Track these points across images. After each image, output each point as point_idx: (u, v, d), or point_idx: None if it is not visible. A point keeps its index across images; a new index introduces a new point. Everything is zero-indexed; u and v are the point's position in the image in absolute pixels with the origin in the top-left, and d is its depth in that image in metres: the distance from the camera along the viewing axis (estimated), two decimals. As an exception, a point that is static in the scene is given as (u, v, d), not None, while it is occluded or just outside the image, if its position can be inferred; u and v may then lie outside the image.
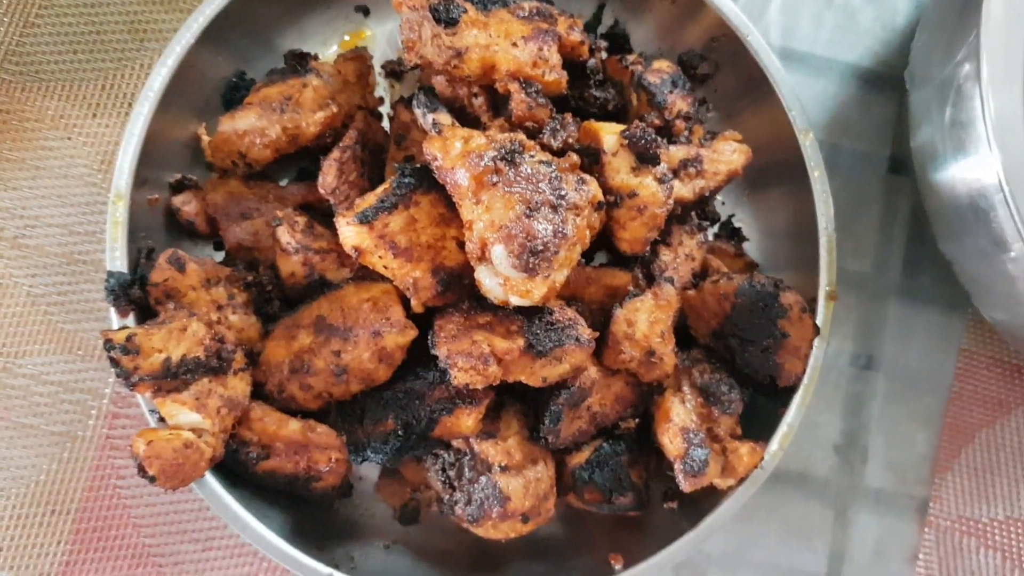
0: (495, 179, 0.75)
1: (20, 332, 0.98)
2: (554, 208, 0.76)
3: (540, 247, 0.74)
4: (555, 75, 0.87)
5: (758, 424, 0.93)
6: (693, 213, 0.97)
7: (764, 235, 1.06)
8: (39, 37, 1.03)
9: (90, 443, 0.97)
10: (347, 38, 1.04)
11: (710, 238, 1.04)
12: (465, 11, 0.85)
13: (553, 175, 0.77)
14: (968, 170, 0.88)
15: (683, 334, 0.95)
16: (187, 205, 0.92)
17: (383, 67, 1.04)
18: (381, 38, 1.05)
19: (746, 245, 1.05)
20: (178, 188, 0.93)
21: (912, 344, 1.10)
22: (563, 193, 0.77)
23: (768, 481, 0.90)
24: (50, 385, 0.98)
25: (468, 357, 0.78)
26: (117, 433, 0.98)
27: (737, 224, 1.06)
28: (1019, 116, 0.82)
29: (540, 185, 0.76)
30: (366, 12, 1.04)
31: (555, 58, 0.87)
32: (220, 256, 0.97)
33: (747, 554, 1.05)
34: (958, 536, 1.07)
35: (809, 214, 0.96)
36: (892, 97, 1.12)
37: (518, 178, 0.76)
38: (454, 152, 0.77)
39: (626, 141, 0.84)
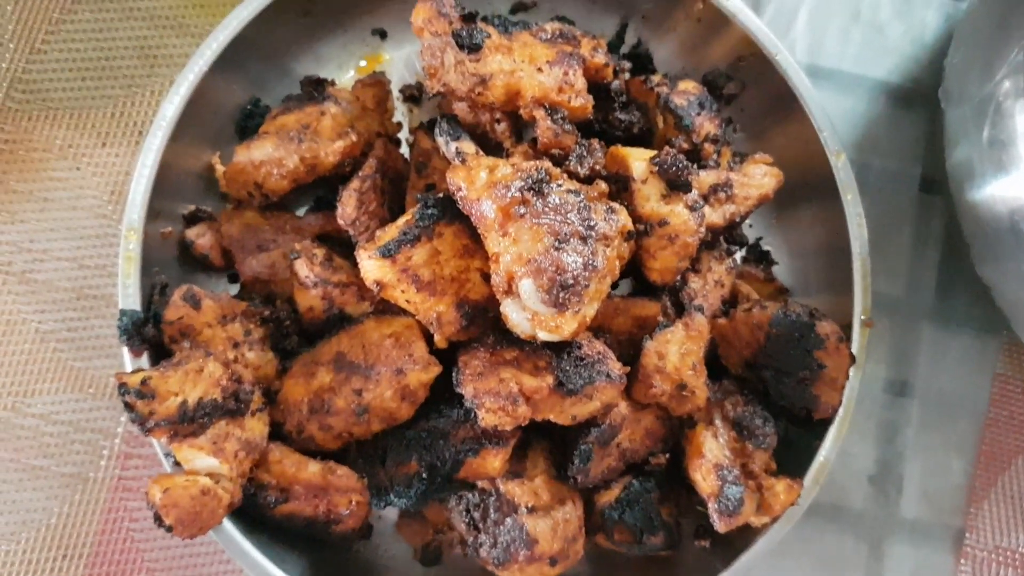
0: (522, 210, 0.73)
1: (29, 370, 0.96)
2: (583, 239, 0.73)
3: (570, 281, 0.72)
4: (581, 100, 0.85)
5: (792, 456, 0.90)
6: (721, 238, 0.95)
7: (793, 256, 1.04)
8: (46, 64, 1.01)
9: (102, 485, 0.95)
10: (364, 63, 1.02)
11: (738, 262, 1.02)
12: (489, 36, 0.83)
13: (582, 205, 0.75)
14: (1008, 190, 0.86)
15: (714, 364, 0.92)
16: (201, 238, 0.90)
17: (401, 91, 1.02)
18: (399, 62, 1.03)
19: (775, 268, 1.03)
20: (192, 220, 0.92)
21: (946, 369, 1.08)
22: (592, 223, 0.74)
23: (802, 515, 0.88)
24: (60, 425, 0.95)
25: (496, 397, 0.75)
26: (130, 474, 0.95)
27: (766, 247, 1.04)
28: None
29: (569, 215, 0.74)
30: (383, 35, 1.02)
31: (581, 82, 0.85)
32: (235, 288, 0.95)
33: (780, 591, 1.02)
34: (995, 567, 1.05)
35: (840, 234, 0.94)
36: (923, 114, 1.10)
37: (546, 209, 0.73)
38: (479, 183, 0.75)
39: (656, 168, 0.81)
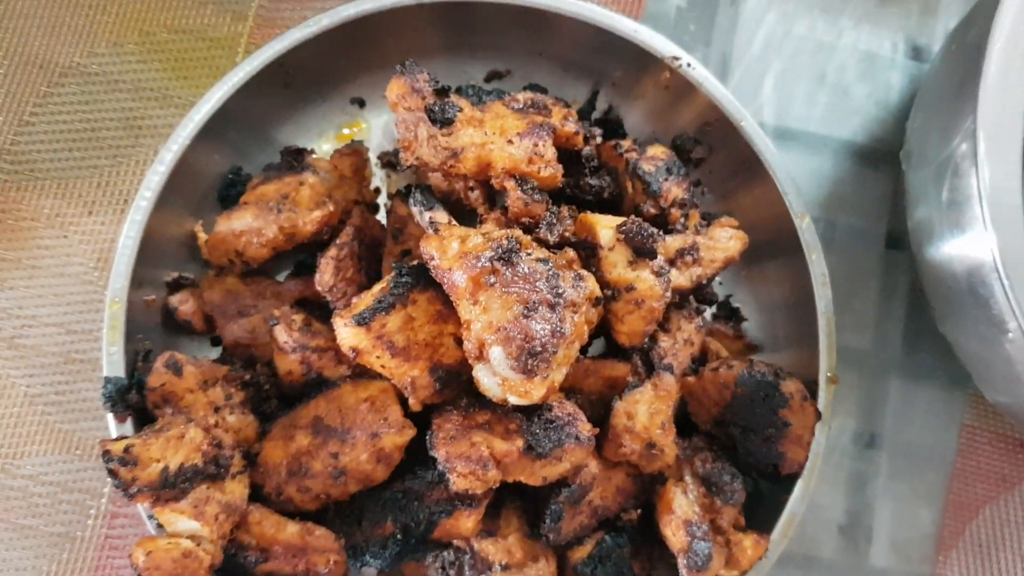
0: (492, 280, 0.75)
1: (18, 432, 0.98)
2: (551, 307, 0.75)
3: (538, 348, 0.74)
4: (550, 170, 0.87)
5: (762, 509, 0.92)
6: (691, 297, 0.97)
7: (762, 311, 1.06)
8: (34, 135, 1.03)
9: (89, 543, 0.97)
10: (344, 130, 1.05)
11: (708, 319, 1.04)
12: (460, 110, 0.86)
13: (550, 273, 0.77)
14: (965, 249, 0.88)
15: (684, 420, 0.95)
16: (184, 304, 0.93)
17: (379, 158, 1.04)
18: (377, 129, 1.05)
19: (745, 324, 1.05)
20: (175, 287, 0.94)
21: (914, 421, 1.10)
22: (560, 291, 0.76)
23: (773, 566, 0.89)
24: (49, 486, 0.97)
25: (467, 461, 0.77)
26: (116, 533, 0.97)
27: (735, 304, 1.06)
28: (1016, 196, 0.82)
29: (537, 284, 0.76)
30: (362, 104, 1.05)
31: (550, 153, 0.87)
32: (217, 351, 0.97)
33: (752, 643, 1.03)
34: (965, 615, 1.06)
35: (806, 289, 0.96)
36: (888, 173, 1.13)
37: (515, 277, 0.75)
38: (451, 252, 0.77)
39: (622, 236, 0.84)
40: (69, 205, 1.02)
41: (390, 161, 1.04)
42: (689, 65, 0.97)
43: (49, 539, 0.97)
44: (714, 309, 1.06)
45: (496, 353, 0.74)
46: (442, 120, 0.84)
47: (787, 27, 1.15)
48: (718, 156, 1.04)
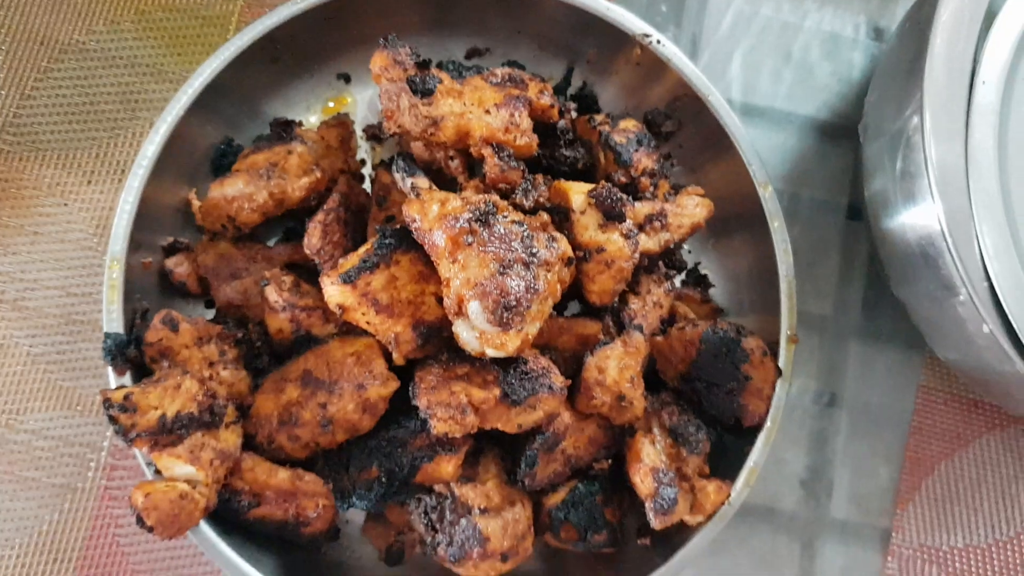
0: (470, 239, 0.80)
1: (21, 390, 1.02)
2: (526, 265, 0.80)
3: (513, 302, 0.78)
4: (526, 139, 0.92)
5: (726, 462, 0.97)
6: (660, 262, 1.02)
7: (729, 280, 1.10)
8: (36, 108, 1.07)
9: (90, 494, 1.01)
10: (331, 104, 1.09)
11: (677, 285, 1.09)
12: (440, 81, 0.90)
13: (525, 234, 0.82)
14: (917, 218, 0.92)
15: (653, 378, 1.00)
16: (179, 267, 0.97)
17: (364, 131, 1.08)
18: (362, 103, 1.10)
19: (712, 291, 1.10)
20: (170, 251, 0.98)
21: (873, 382, 1.15)
22: (534, 251, 0.81)
23: (737, 516, 0.94)
24: (51, 440, 1.01)
25: (447, 407, 0.82)
26: (115, 484, 1.02)
27: (703, 271, 1.11)
28: (960, 168, 0.87)
29: (513, 244, 0.81)
30: (347, 79, 1.09)
31: (526, 123, 0.92)
32: (211, 313, 1.01)
33: (718, 587, 1.09)
34: (920, 564, 1.12)
35: (770, 258, 1.00)
36: (849, 148, 1.18)
37: (492, 238, 0.80)
38: (431, 214, 0.82)
39: (593, 200, 0.89)
40: (69, 175, 1.07)
41: (375, 134, 1.08)
42: (659, 42, 1.01)
43: (51, 490, 1.01)
44: (683, 276, 1.11)
45: (474, 307, 0.79)
46: (423, 91, 0.89)
47: (755, 8, 1.20)
48: (687, 131, 1.08)
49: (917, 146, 0.90)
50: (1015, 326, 0.86)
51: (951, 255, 0.87)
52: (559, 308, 0.99)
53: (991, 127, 0.88)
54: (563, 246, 0.85)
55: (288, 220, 1.02)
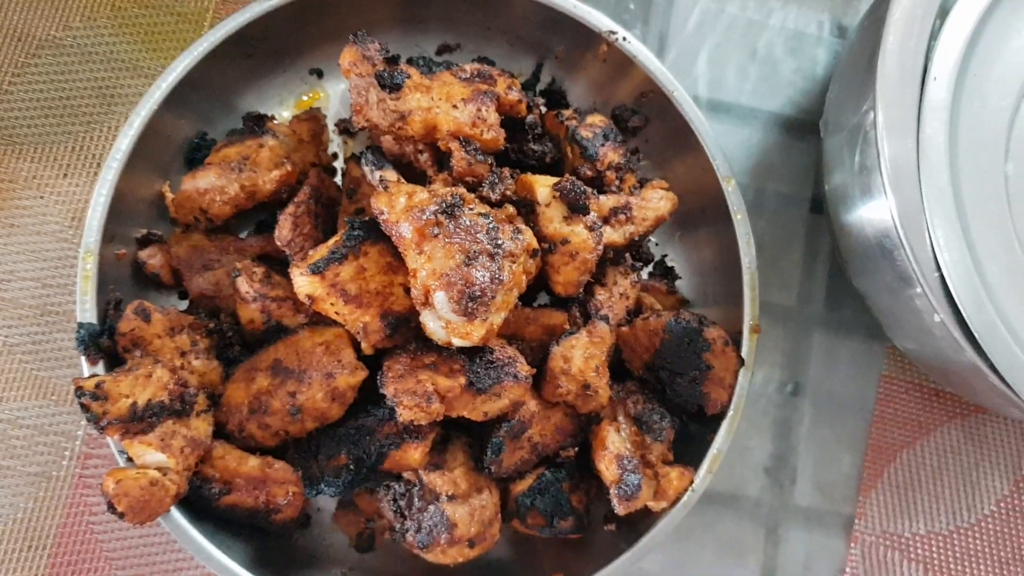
0: (436, 231, 0.81)
1: (-3, 380, 1.04)
2: (491, 256, 0.82)
3: (478, 293, 0.80)
4: (493, 134, 0.93)
5: (691, 449, 0.99)
6: (627, 255, 1.04)
7: (694, 272, 1.13)
8: (12, 103, 1.09)
9: (64, 482, 1.03)
10: (304, 98, 1.10)
11: (644, 277, 1.11)
12: (409, 76, 0.92)
13: (491, 226, 0.84)
14: (874, 212, 0.94)
15: (619, 368, 1.02)
16: (152, 259, 0.98)
17: (336, 125, 1.10)
18: (335, 98, 1.11)
19: (678, 282, 1.12)
20: (144, 243, 0.99)
21: (836, 371, 1.17)
22: (500, 242, 0.83)
23: (702, 502, 0.96)
24: (26, 429, 1.03)
25: (413, 395, 0.84)
26: (90, 472, 1.03)
27: (669, 263, 1.13)
28: (912, 163, 0.89)
29: (478, 235, 0.82)
30: (320, 74, 1.11)
31: (493, 117, 0.94)
32: (184, 304, 1.03)
33: (684, 571, 1.11)
34: (883, 550, 1.14)
35: (735, 251, 1.02)
36: (812, 143, 1.20)
37: (458, 230, 0.82)
38: (399, 207, 0.83)
39: (558, 193, 0.90)
40: (45, 168, 1.08)
41: (346, 128, 1.10)
42: (625, 39, 1.03)
43: (26, 478, 1.02)
44: (650, 268, 1.13)
45: (440, 297, 0.81)
46: (391, 85, 0.91)
47: (721, 6, 1.22)
48: (654, 126, 1.10)
49: (873, 141, 0.91)
50: (966, 316, 0.88)
51: (904, 248, 0.89)
52: (527, 299, 1.01)
53: (942, 123, 0.90)
54: (528, 238, 0.87)
55: (260, 212, 1.03)
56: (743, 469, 1.14)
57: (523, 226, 0.88)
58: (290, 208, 0.94)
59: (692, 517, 0.96)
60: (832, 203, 1.06)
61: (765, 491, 1.14)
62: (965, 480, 1.17)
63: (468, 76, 0.98)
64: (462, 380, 0.86)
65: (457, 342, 0.83)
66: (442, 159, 0.97)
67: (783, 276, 1.18)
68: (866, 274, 1.04)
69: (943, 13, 0.92)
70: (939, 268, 0.88)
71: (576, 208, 0.91)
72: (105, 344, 0.90)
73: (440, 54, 1.12)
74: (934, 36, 0.92)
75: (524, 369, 0.88)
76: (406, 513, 0.93)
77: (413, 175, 0.96)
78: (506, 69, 1.05)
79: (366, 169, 0.93)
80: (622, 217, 0.99)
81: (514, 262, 0.84)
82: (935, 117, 0.90)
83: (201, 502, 0.90)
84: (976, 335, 0.88)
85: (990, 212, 0.92)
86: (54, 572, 1.01)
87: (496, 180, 0.93)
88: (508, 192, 0.93)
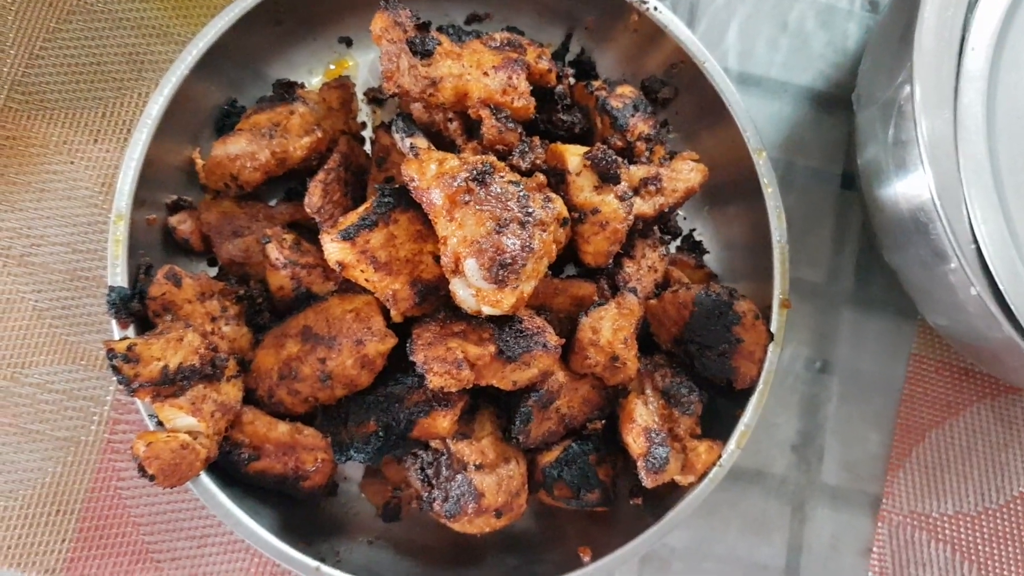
0: (467, 198, 0.81)
1: (26, 344, 1.04)
2: (522, 224, 0.82)
3: (509, 260, 0.80)
4: (523, 101, 0.93)
5: (718, 425, 0.98)
6: (655, 228, 1.03)
7: (723, 247, 1.12)
8: (43, 68, 1.09)
9: (92, 447, 1.03)
10: (332, 67, 1.10)
11: (672, 250, 1.11)
12: (440, 43, 0.91)
13: (521, 194, 0.83)
14: (909, 186, 0.94)
15: (647, 341, 1.01)
16: (183, 224, 0.98)
17: (365, 94, 1.10)
18: (364, 67, 1.11)
19: (706, 257, 1.12)
20: (174, 208, 0.99)
21: (865, 349, 1.16)
22: (530, 210, 0.83)
23: (728, 478, 0.96)
24: (55, 393, 1.03)
25: (443, 363, 0.84)
26: (118, 438, 1.04)
27: (698, 237, 1.13)
28: (949, 135, 0.88)
29: (509, 203, 0.82)
30: (349, 43, 1.10)
31: (523, 85, 0.93)
32: (214, 271, 1.03)
33: (709, 547, 1.11)
34: (910, 530, 1.14)
35: (764, 227, 1.02)
36: (843, 117, 1.19)
37: (488, 197, 0.82)
38: (430, 174, 0.83)
39: (589, 162, 0.90)
40: (76, 133, 1.08)
41: (375, 97, 1.10)
42: (656, 9, 1.02)
43: (55, 443, 1.03)
44: (678, 241, 1.12)
45: (470, 265, 0.80)
46: (422, 52, 0.90)
47: (752, -22, 1.22)
48: (684, 98, 1.09)
49: (908, 114, 0.90)
50: (1003, 290, 0.87)
51: (941, 221, 0.88)
52: (555, 270, 1.00)
53: (980, 94, 0.89)
54: (558, 206, 0.86)
55: (290, 180, 1.03)
56: (770, 446, 1.13)
57: (553, 195, 0.87)
58: (320, 175, 0.94)
59: (717, 493, 0.96)
60: (865, 177, 1.06)
61: (792, 468, 1.13)
62: (994, 461, 1.16)
63: (498, 45, 0.97)
64: (492, 348, 0.85)
65: (487, 310, 0.83)
66: (472, 127, 0.96)
67: (812, 252, 1.17)
68: (899, 249, 1.03)
69: (981, -17, 0.91)
70: (976, 242, 0.87)
71: (607, 177, 0.90)
72: (136, 308, 0.90)
73: (469, 23, 1.11)
74: (971, 7, 0.91)
75: (553, 339, 0.88)
76: (433, 482, 0.93)
77: (442, 143, 0.96)
78: (535, 39, 1.05)
79: (396, 136, 0.93)
80: (652, 188, 0.98)
81: (544, 230, 0.84)
82: (973, 88, 0.89)
83: (230, 467, 0.91)
84: (1013, 309, 0.87)
85: (1029, 185, 0.90)
86: (82, 536, 1.02)
87: (526, 148, 0.92)
88: (538, 161, 0.93)
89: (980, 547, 1.14)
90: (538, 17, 1.11)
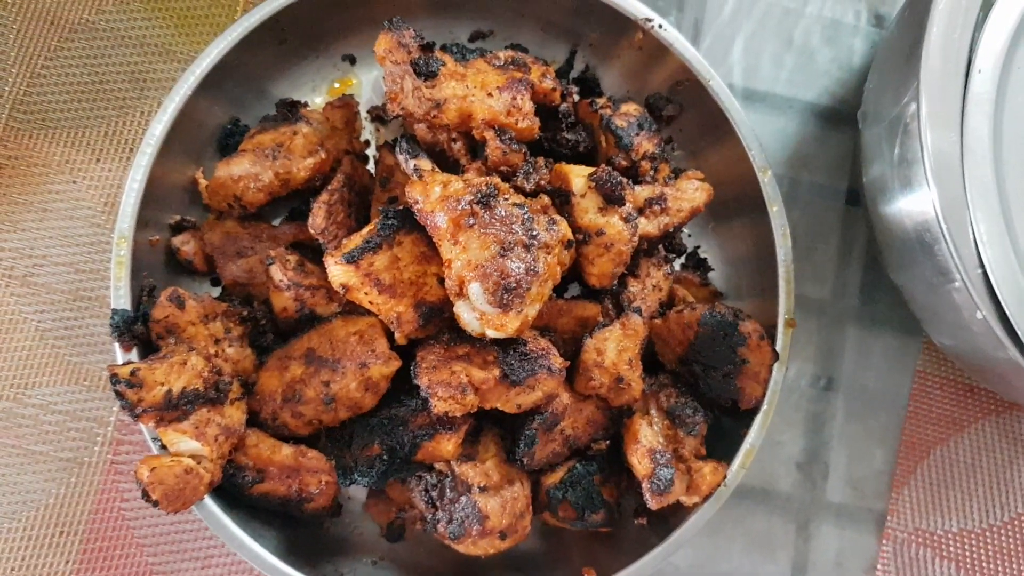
0: (472, 221, 0.81)
1: (29, 364, 1.04)
2: (526, 247, 0.81)
3: (513, 284, 0.80)
4: (527, 123, 0.93)
5: (723, 444, 0.98)
6: (660, 246, 1.03)
7: (728, 264, 1.12)
8: (45, 87, 1.08)
9: (96, 468, 1.03)
10: (336, 85, 1.10)
11: (677, 268, 1.10)
12: (444, 64, 0.91)
13: (526, 216, 0.83)
14: (914, 204, 0.93)
15: (651, 360, 1.01)
16: (186, 245, 0.98)
17: (369, 112, 1.09)
18: (367, 85, 1.11)
19: (711, 275, 1.11)
20: (177, 229, 0.99)
21: (870, 366, 1.16)
22: (535, 233, 0.82)
23: (733, 497, 0.96)
24: (58, 414, 1.03)
25: (447, 387, 0.84)
26: (122, 459, 1.03)
27: (703, 255, 1.12)
28: (955, 155, 0.88)
29: (513, 226, 0.81)
30: (352, 61, 1.10)
31: (528, 106, 0.93)
32: (217, 291, 1.03)
33: (714, 566, 1.10)
34: (914, 547, 1.13)
35: (769, 242, 1.01)
36: (848, 133, 1.19)
37: (493, 220, 0.81)
38: (434, 196, 0.83)
39: (593, 184, 0.89)
40: (78, 152, 1.08)
41: (379, 115, 1.09)
42: (660, 26, 1.02)
43: (58, 464, 1.03)
44: (683, 259, 1.12)
45: (475, 289, 0.80)
46: (426, 73, 0.90)
47: (756, -6, 1.21)
48: (689, 115, 1.09)
49: (914, 133, 0.90)
50: (1008, 313, 0.87)
51: (946, 242, 0.87)
52: (559, 290, 1.00)
53: (986, 115, 0.89)
54: (563, 228, 0.86)
55: (293, 200, 1.03)
56: (774, 464, 1.13)
57: (558, 216, 0.87)
58: (324, 196, 0.94)
59: (722, 512, 0.96)
60: (870, 195, 1.05)
61: (797, 486, 1.13)
62: (999, 478, 1.16)
63: (502, 64, 0.97)
64: (496, 372, 0.85)
65: (491, 333, 0.83)
66: (475, 148, 0.96)
67: (817, 269, 1.16)
68: (904, 268, 1.03)
69: (987, 5, 0.91)
70: (982, 263, 0.87)
71: (612, 199, 0.90)
72: (139, 331, 0.90)
73: (473, 40, 1.11)
74: (978, 27, 0.91)
75: (558, 362, 0.88)
76: (438, 504, 0.93)
77: (446, 164, 0.96)
78: (539, 56, 1.04)
79: (400, 158, 0.92)
80: (657, 208, 0.98)
81: (549, 253, 0.83)
82: (979, 110, 0.89)
83: (233, 489, 0.91)
84: (1019, 331, 0.86)
85: (1034, 207, 0.90)
86: (85, 558, 1.01)
87: (531, 170, 0.92)
88: (543, 182, 0.93)
89: (985, 564, 1.13)
90: (542, 34, 1.10)
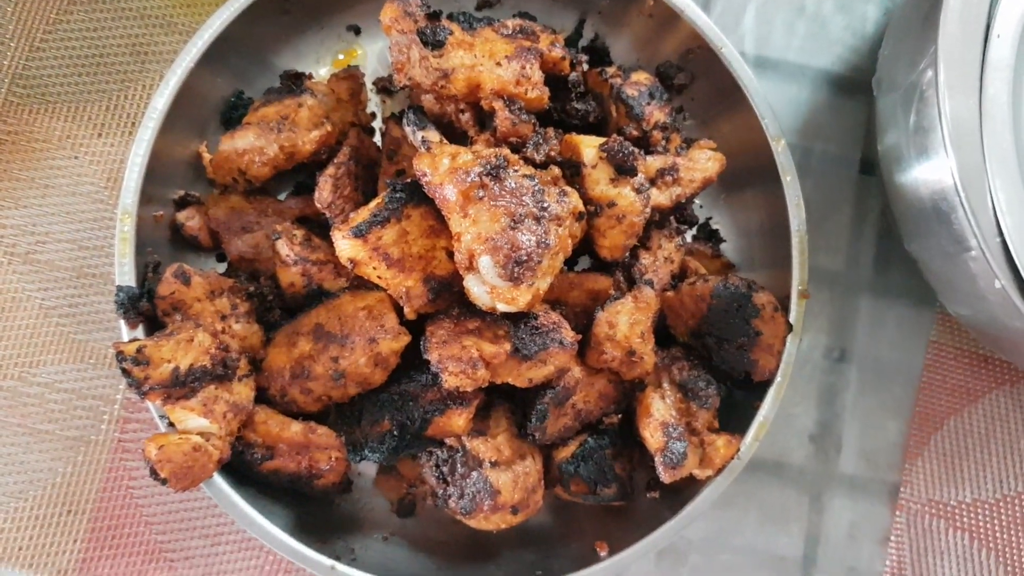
0: (481, 193, 0.80)
1: (34, 343, 1.03)
2: (537, 220, 0.80)
3: (524, 257, 0.78)
4: (537, 92, 0.91)
5: (736, 417, 0.97)
6: (672, 217, 1.01)
7: (740, 235, 1.10)
8: (45, 60, 1.07)
9: (103, 447, 1.02)
10: (340, 56, 1.08)
11: (688, 240, 1.09)
12: (451, 33, 0.90)
13: (536, 188, 0.81)
14: (930, 173, 0.92)
15: (663, 333, 1.00)
16: (190, 220, 0.97)
17: (374, 84, 1.08)
18: (372, 56, 1.09)
19: (723, 246, 1.10)
20: (182, 204, 0.98)
21: (883, 337, 1.15)
22: (545, 205, 0.81)
23: (746, 470, 0.95)
24: (64, 392, 1.02)
25: (458, 362, 0.83)
26: (129, 437, 1.03)
27: (714, 226, 1.11)
28: (974, 122, 0.86)
29: (524, 198, 0.80)
30: (357, 31, 1.08)
31: (537, 76, 0.91)
32: (223, 268, 1.02)
33: (727, 539, 1.10)
34: (928, 518, 1.13)
35: (782, 213, 1.00)
36: (862, 101, 1.17)
37: (503, 192, 0.80)
38: (442, 168, 0.81)
39: (605, 154, 0.88)
40: (79, 127, 1.06)
41: (385, 87, 1.08)
42: (671, -8, 1.00)
43: (64, 443, 1.02)
44: (694, 231, 1.11)
45: (485, 262, 0.79)
46: (433, 42, 0.88)
47: (768, -41, 1.19)
48: (700, 84, 1.07)
49: (931, 100, 0.89)
50: (1027, 282, 0.86)
51: (964, 210, 0.86)
52: (570, 263, 0.99)
53: (1006, 82, 0.87)
54: (574, 200, 0.85)
55: (299, 174, 1.01)
56: (787, 436, 1.12)
57: (568, 188, 0.86)
58: (330, 170, 0.93)
59: (735, 485, 0.95)
60: (885, 164, 1.04)
61: (810, 458, 1.12)
62: (1012, 448, 1.15)
63: (510, 32, 0.95)
64: (507, 346, 0.84)
65: (502, 307, 0.82)
66: (484, 119, 0.95)
67: (830, 239, 1.15)
68: (919, 237, 1.02)
69: (1007, -32, 0.89)
70: (1000, 232, 0.85)
71: (624, 170, 0.88)
72: (144, 307, 0.89)
73: (480, 9, 1.09)
74: (996, -9, 0.89)
75: (569, 335, 0.87)
76: (449, 479, 0.92)
77: (454, 135, 0.94)
78: (548, 24, 1.02)
79: (408, 130, 0.91)
80: (669, 179, 0.97)
81: (560, 225, 0.82)
82: (998, 76, 0.87)
83: (243, 467, 0.90)
84: (1038, 301, 0.85)
85: (1055, 175, 0.89)
86: (94, 536, 1.01)
87: (540, 140, 0.91)
88: (553, 153, 0.91)
89: (999, 535, 1.13)
90: (550, 2, 1.08)
